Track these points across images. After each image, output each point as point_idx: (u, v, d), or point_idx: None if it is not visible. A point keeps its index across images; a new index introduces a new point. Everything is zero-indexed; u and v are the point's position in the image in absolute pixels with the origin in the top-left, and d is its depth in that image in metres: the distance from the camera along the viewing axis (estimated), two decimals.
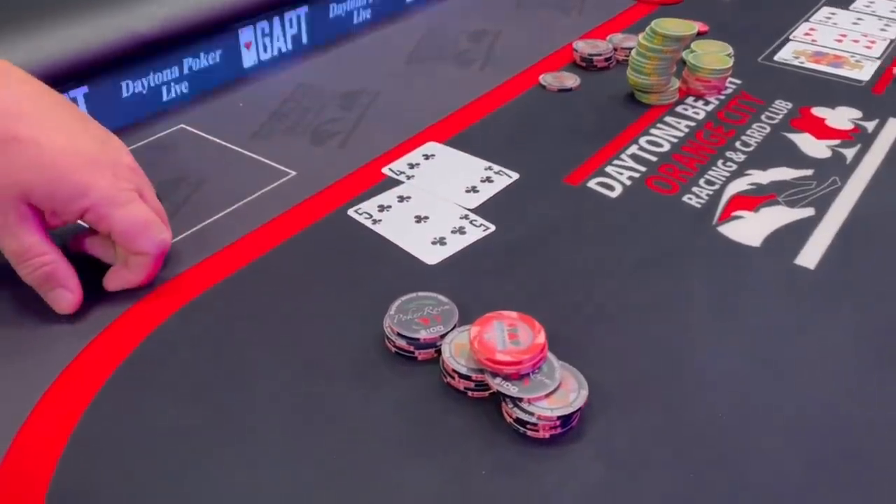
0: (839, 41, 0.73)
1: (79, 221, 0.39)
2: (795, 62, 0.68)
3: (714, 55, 0.64)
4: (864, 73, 0.67)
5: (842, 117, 0.60)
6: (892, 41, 0.73)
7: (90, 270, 0.41)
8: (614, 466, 0.33)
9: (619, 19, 0.78)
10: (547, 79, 0.65)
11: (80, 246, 0.42)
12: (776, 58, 0.69)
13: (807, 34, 0.74)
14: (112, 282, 0.41)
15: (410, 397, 0.36)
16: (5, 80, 0.39)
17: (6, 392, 0.36)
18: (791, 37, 0.73)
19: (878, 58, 0.69)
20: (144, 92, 0.58)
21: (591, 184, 0.52)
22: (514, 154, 0.55)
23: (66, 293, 0.39)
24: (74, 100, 0.54)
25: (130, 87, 0.57)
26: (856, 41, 0.73)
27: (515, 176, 0.53)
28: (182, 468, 0.33)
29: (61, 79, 0.53)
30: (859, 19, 0.78)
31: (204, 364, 0.38)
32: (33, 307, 0.40)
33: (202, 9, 0.60)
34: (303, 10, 0.69)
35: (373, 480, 0.33)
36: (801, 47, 0.71)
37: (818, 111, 0.61)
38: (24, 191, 0.36)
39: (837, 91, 0.64)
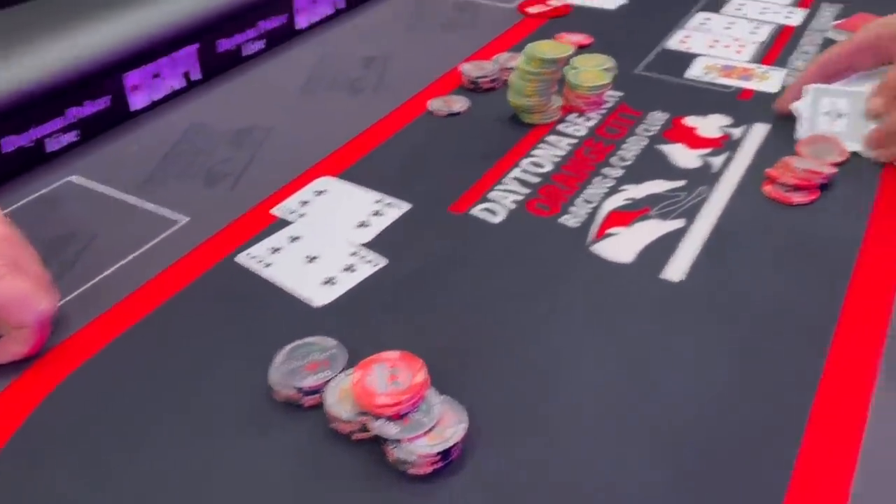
0: (712, 47, 0.77)
1: None
2: (707, 78, 0.71)
3: (593, 71, 0.67)
4: (773, 84, 0.69)
5: (712, 125, 0.64)
6: (760, 44, 0.77)
7: None
8: (494, 494, 0.36)
9: (509, 35, 0.80)
10: (435, 104, 0.67)
11: None
12: (688, 75, 0.72)
13: (682, 41, 0.78)
14: None
15: (299, 444, 0.38)
16: None
17: None
18: (667, 45, 0.77)
19: (748, 62, 0.74)
20: (29, 145, 0.58)
21: (476, 210, 0.54)
22: (404, 184, 0.57)
23: None
24: None
25: (13, 142, 0.57)
26: (727, 46, 0.77)
27: (406, 207, 0.54)
28: None
29: None
30: (731, 23, 0.82)
31: (96, 429, 0.39)
32: None
33: (84, 58, 0.60)
34: (193, 48, 0.69)
35: None
36: (710, 62, 0.74)
37: (690, 120, 0.64)
38: None
39: (710, 99, 0.68)
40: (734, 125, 0.63)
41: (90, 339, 0.44)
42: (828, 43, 0.77)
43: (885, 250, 0.50)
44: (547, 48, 0.62)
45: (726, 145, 0.61)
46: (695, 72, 0.72)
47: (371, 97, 0.69)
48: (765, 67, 0.72)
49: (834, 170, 0.55)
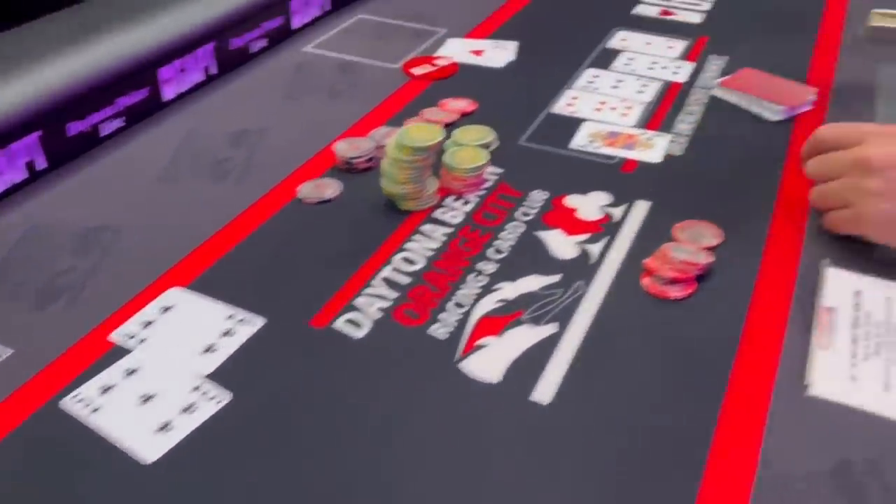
0: (598, 110, 0.75)
1: None
2: (591, 147, 0.68)
3: (471, 150, 0.64)
4: (656, 153, 0.67)
5: (593, 205, 0.61)
6: (646, 105, 0.76)
7: None
8: None
9: (392, 101, 0.76)
10: (305, 190, 0.62)
11: None
12: (573, 144, 0.69)
13: (568, 104, 0.76)
14: None
15: None
16: None
17: None
18: (553, 110, 0.75)
19: (634, 126, 0.72)
20: None
21: (339, 323, 0.50)
22: (263, 292, 0.52)
23: None
24: None
25: None
26: (613, 108, 0.75)
27: (261, 322, 0.50)
28: None
29: None
30: (619, 81, 0.80)
31: None
32: None
33: None
34: (34, 136, 0.63)
35: None
36: (595, 128, 0.71)
37: (571, 200, 0.62)
38: None
39: (592, 174, 0.65)
40: (615, 203, 0.61)
41: None
42: (714, 101, 0.76)
43: (761, 354, 0.48)
44: (417, 134, 0.58)
45: (606, 229, 0.58)
46: (579, 140, 0.70)
47: (237, 183, 0.64)
48: (649, 133, 0.71)
49: (710, 259, 0.53)
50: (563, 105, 0.76)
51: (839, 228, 0.55)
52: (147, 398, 0.44)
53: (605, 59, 0.84)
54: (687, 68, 0.83)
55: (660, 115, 0.74)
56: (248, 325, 0.49)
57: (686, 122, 0.73)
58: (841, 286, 0.52)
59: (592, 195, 0.62)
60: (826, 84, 0.77)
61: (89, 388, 0.45)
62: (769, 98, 0.74)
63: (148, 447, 0.41)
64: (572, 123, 0.72)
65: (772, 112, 0.73)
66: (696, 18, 0.95)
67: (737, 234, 0.57)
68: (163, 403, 0.44)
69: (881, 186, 0.50)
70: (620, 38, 0.89)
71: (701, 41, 0.88)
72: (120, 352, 0.47)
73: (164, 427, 0.43)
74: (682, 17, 0.96)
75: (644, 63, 0.84)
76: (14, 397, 0.45)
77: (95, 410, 0.43)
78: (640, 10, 0.97)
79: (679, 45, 0.88)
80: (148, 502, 0.39)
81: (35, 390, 0.45)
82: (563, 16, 0.96)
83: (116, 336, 0.49)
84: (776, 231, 0.58)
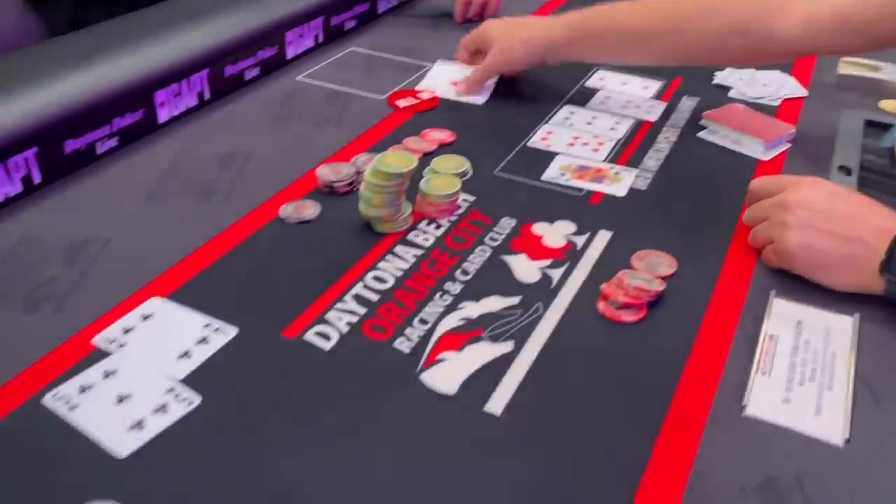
0: (571, 145, 0.79)
1: None
2: (562, 180, 0.72)
3: (445, 177, 0.68)
4: (622, 187, 0.71)
5: (558, 233, 0.64)
6: (617, 141, 0.79)
7: None
8: None
9: (376, 130, 0.80)
10: (286, 210, 0.66)
11: None
12: (544, 177, 0.72)
13: (543, 139, 0.80)
14: None
15: None
16: None
17: None
18: (529, 143, 0.78)
19: (603, 160, 0.76)
20: None
21: (309, 335, 0.53)
22: (240, 304, 0.55)
23: None
24: None
25: None
26: (585, 144, 0.79)
27: (234, 332, 0.53)
28: None
29: None
30: (594, 118, 0.84)
31: None
32: None
33: None
34: (31, 152, 0.67)
35: None
36: (566, 161, 0.75)
37: (538, 228, 0.65)
38: None
39: (560, 204, 0.69)
40: (578, 232, 0.65)
41: None
42: (682, 140, 0.80)
43: (703, 376, 0.51)
44: (393, 161, 0.62)
45: (567, 256, 0.62)
46: (551, 173, 0.73)
47: (223, 202, 0.68)
48: (618, 168, 0.74)
49: (662, 287, 0.56)
50: (538, 139, 0.80)
51: (770, 263, 0.61)
52: (122, 398, 0.47)
53: (583, 98, 0.89)
54: (659, 108, 0.87)
55: (629, 151, 0.78)
56: (223, 334, 0.52)
57: (654, 159, 0.76)
58: (785, 315, 0.56)
59: (559, 224, 0.66)
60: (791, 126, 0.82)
61: (69, 387, 0.48)
62: (750, 132, 0.78)
63: (121, 443, 0.44)
64: (546, 157, 0.76)
65: (752, 147, 0.77)
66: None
67: (691, 264, 0.61)
68: (137, 403, 0.47)
69: (793, 221, 0.58)
70: (599, 78, 0.94)
71: (675, 82, 0.93)
72: (101, 355, 0.50)
73: (138, 425, 0.45)
74: None
75: (619, 102, 0.88)
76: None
77: (73, 408, 0.46)
78: None
79: (654, 86, 0.92)
80: (119, 494, 0.41)
81: (18, 388, 0.48)
82: None
83: (98, 340, 0.51)
84: (729, 263, 0.61)
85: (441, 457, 0.45)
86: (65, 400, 0.47)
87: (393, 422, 0.47)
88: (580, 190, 0.71)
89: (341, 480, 0.43)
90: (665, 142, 0.80)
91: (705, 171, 0.75)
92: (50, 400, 0.47)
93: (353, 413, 0.47)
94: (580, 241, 0.64)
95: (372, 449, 0.45)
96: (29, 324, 0.53)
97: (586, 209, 0.68)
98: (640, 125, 0.83)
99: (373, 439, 0.46)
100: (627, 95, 0.90)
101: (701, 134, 0.81)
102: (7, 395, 0.47)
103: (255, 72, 0.90)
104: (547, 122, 0.83)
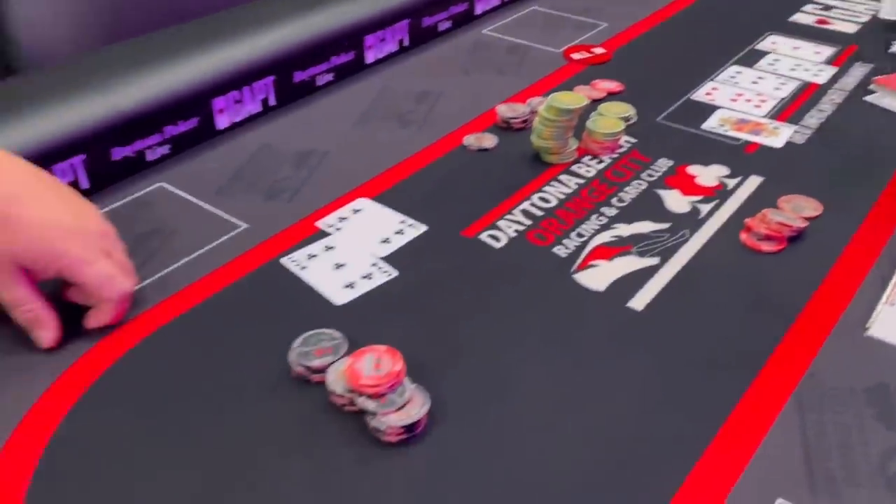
0: (734, 101, 0.83)
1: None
2: (721, 130, 0.78)
3: (611, 119, 0.75)
4: (779, 140, 0.76)
5: (711, 174, 0.71)
6: (781, 100, 0.83)
7: (77, 311, 0.54)
8: (449, 463, 0.45)
9: (550, 79, 0.89)
10: (469, 140, 0.77)
11: (67, 294, 0.55)
12: (704, 126, 0.78)
13: (707, 94, 0.85)
14: (90, 321, 0.53)
15: (304, 411, 0.48)
16: (4, 167, 0.52)
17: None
18: (692, 97, 0.84)
19: (765, 116, 0.80)
20: (131, 155, 0.72)
21: (483, 236, 0.64)
22: (427, 209, 0.67)
23: (48, 332, 0.52)
24: (73, 165, 0.67)
25: (119, 152, 0.71)
26: (748, 100, 0.83)
27: (423, 228, 0.65)
28: (149, 468, 0.46)
29: (65, 149, 0.66)
30: (760, 78, 0.88)
31: (163, 381, 0.51)
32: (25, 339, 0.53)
33: (179, 86, 0.73)
34: (270, 79, 0.82)
35: (264, 471, 0.45)
36: (727, 115, 0.81)
37: (692, 169, 0.72)
38: (16, 256, 0.49)
39: (716, 150, 0.75)
40: (731, 176, 0.70)
41: (162, 314, 0.56)
42: (847, 102, 0.82)
43: (831, 302, 0.56)
44: (566, 99, 0.71)
45: (718, 194, 0.68)
46: (711, 123, 0.79)
47: (416, 130, 0.80)
48: (777, 123, 0.79)
49: (804, 224, 0.62)
50: (703, 94, 0.85)
51: None
52: (339, 266, 0.60)
53: (752, 59, 0.92)
54: (829, 72, 0.89)
55: (791, 108, 0.81)
56: (415, 228, 0.64)
57: (815, 118, 0.80)
58: None
59: (713, 167, 0.72)
60: None
61: (300, 254, 0.61)
62: None
63: (338, 295, 0.57)
64: (707, 109, 0.82)
65: None
66: (850, 28, 1.00)
67: (836, 211, 0.65)
68: (349, 270, 0.60)
69: None
70: (770, 42, 0.97)
71: (850, 49, 0.94)
72: (322, 235, 0.64)
73: (349, 285, 0.58)
74: (837, 26, 1.01)
75: (787, 65, 0.91)
76: (247, 255, 0.62)
77: (303, 269, 0.60)
78: (797, 17, 1.04)
79: (827, 51, 0.94)
80: (336, 328, 0.54)
81: (264, 251, 0.62)
82: (721, 17, 1.04)
83: (321, 223, 0.65)
84: (875, 214, 0.65)
85: (583, 339, 0.54)
86: (297, 262, 0.61)
87: (545, 309, 0.57)
88: (737, 139, 0.76)
89: (497, 343, 0.53)
90: (829, 103, 0.82)
91: (867, 131, 0.77)
92: (286, 261, 0.61)
93: (515, 295, 0.58)
94: (731, 182, 0.70)
95: (526, 327, 0.55)
96: (270, 208, 0.68)
97: (741, 156, 0.73)
98: (805, 86, 0.86)
99: (529, 319, 0.56)
100: (797, 59, 0.92)
101: (868, 98, 0.83)
102: (254, 256, 0.62)
103: (447, 24, 1.01)
104: (713, 79, 0.88)
